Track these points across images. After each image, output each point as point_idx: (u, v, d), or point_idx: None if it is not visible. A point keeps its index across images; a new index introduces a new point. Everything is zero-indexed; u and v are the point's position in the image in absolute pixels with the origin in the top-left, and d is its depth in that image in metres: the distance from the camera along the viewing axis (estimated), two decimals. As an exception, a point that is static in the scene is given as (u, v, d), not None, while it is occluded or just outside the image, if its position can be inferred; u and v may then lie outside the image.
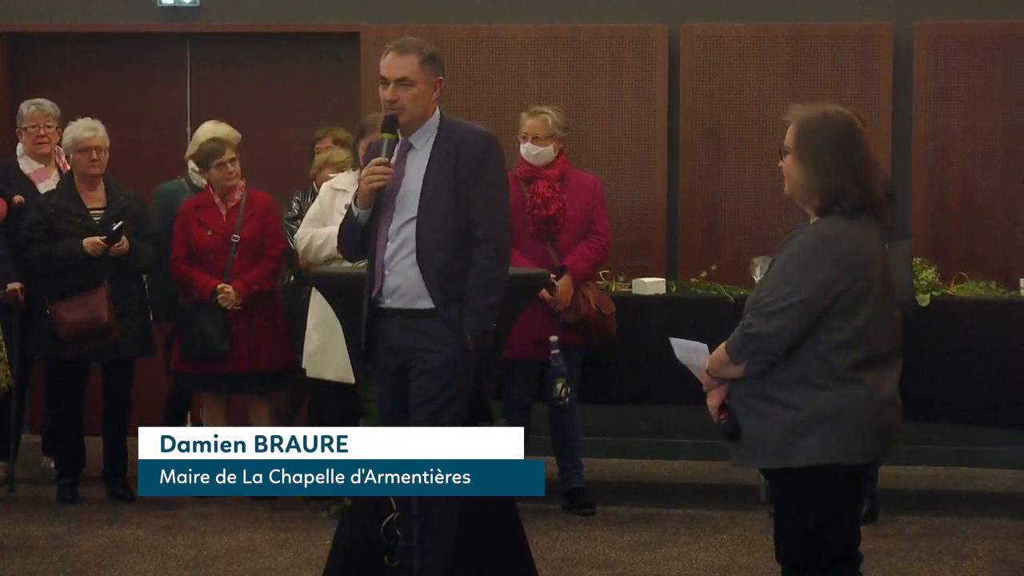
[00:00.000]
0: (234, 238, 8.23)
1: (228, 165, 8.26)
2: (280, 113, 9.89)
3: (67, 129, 8.35)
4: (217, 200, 8.31)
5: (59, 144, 8.54)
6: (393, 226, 5.66)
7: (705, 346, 4.72)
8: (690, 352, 4.78)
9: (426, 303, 5.65)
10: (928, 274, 8.15)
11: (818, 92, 9.00)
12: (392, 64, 5.65)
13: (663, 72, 9.45)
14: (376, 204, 5.69)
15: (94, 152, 8.21)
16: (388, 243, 5.67)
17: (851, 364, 4.46)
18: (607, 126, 9.49)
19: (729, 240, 9.36)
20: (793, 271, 4.48)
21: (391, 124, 5.65)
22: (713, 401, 4.67)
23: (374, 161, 5.63)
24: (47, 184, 8.51)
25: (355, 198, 5.72)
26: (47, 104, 8.67)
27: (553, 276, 7.68)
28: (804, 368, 4.47)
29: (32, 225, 8.16)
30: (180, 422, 8.80)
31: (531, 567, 6.38)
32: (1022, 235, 9.23)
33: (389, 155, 5.64)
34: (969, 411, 8.15)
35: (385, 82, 5.65)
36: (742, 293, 8.16)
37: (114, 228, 8.06)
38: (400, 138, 5.71)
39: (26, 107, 8.67)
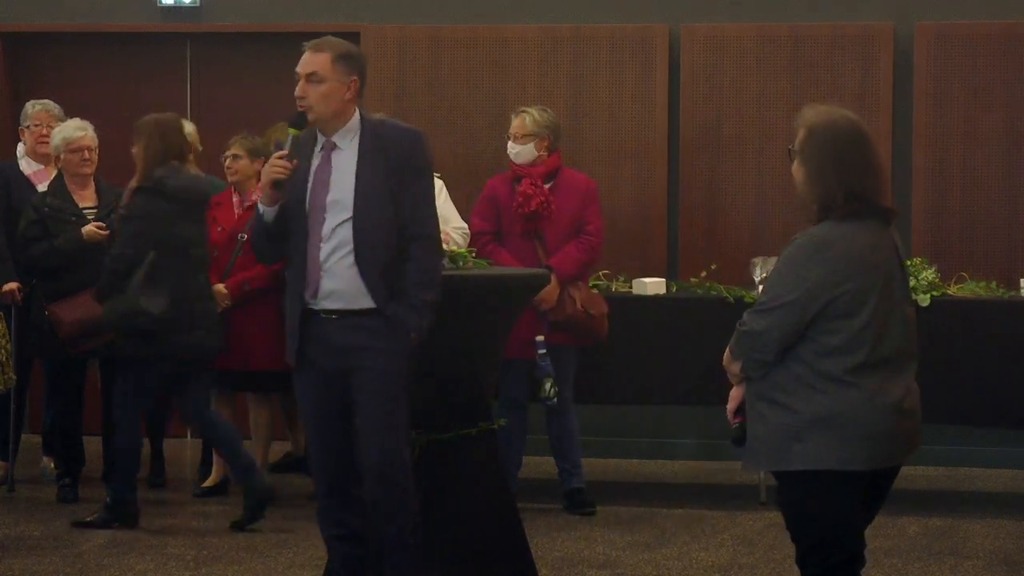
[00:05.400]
0: (241, 236, 8.23)
1: (228, 160, 8.30)
2: (280, 113, 9.86)
3: (56, 130, 8.33)
4: (235, 198, 8.35)
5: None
6: (327, 227, 5.60)
7: None
8: None
9: (366, 302, 5.59)
10: (928, 274, 8.15)
11: (818, 92, 9.01)
12: (304, 61, 5.65)
13: (663, 72, 9.45)
14: (296, 205, 5.64)
15: (85, 152, 8.21)
16: (323, 244, 5.61)
17: (849, 368, 4.43)
18: (607, 126, 9.49)
19: (729, 240, 9.36)
20: (786, 272, 4.49)
21: (298, 120, 5.65)
22: (730, 405, 4.67)
23: (276, 154, 5.61)
24: (47, 186, 8.51)
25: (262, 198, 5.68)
26: (52, 105, 8.67)
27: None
28: (803, 370, 4.46)
29: (30, 224, 8.17)
30: (163, 429, 8.80)
31: (531, 567, 6.38)
32: (1022, 235, 9.23)
33: (292, 151, 5.61)
34: (969, 411, 8.15)
35: (298, 78, 5.65)
36: (742, 293, 8.18)
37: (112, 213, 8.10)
38: (307, 135, 5.67)
39: (31, 106, 8.68)
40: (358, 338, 5.61)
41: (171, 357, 7.58)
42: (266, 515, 7.60)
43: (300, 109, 5.63)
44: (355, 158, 5.63)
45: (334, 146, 5.67)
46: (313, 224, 5.63)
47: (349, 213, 5.59)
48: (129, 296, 7.46)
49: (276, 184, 5.62)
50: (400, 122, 5.91)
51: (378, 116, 6.09)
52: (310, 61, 5.64)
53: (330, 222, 5.61)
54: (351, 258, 5.58)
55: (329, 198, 5.62)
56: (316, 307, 5.66)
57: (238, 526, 7.59)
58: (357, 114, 5.70)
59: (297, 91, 5.64)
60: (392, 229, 5.61)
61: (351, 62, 5.67)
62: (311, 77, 5.63)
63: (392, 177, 5.61)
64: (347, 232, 5.59)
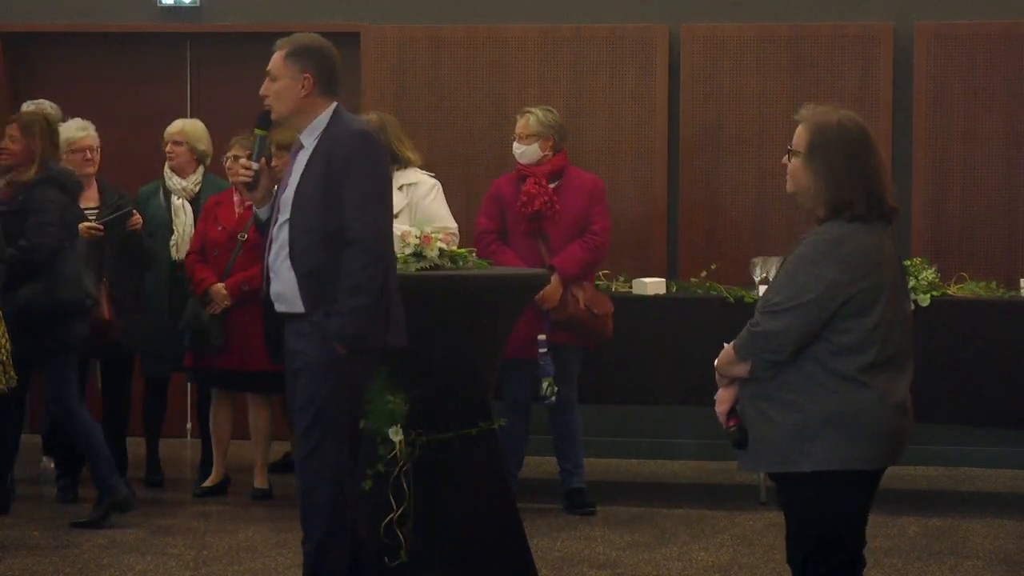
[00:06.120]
0: (241, 236, 8.23)
1: (229, 160, 8.32)
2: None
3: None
4: (236, 198, 8.35)
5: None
6: (275, 228, 5.58)
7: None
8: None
9: (300, 306, 5.53)
10: (928, 274, 8.15)
11: (818, 92, 9.00)
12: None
13: (663, 72, 9.45)
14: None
15: (88, 152, 8.22)
16: (273, 245, 5.59)
17: (860, 367, 4.43)
18: (607, 126, 9.48)
19: (729, 240, 9.36)
20: (800, 271, 4.46)
21: (262, 120, 5.66)
22: (721, 408, 4.62)
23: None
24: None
25: None
26: (47, 104, 8.67)
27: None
28: (813, 369, 4.45)
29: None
30: (157, 428, 8.79)
31: (531, 567, 6.38)
32: (1022, 235, 9.23)
33: (258, 151, 5.64)
34: (969, 411, 8.15)
35: None
36: (742, 293, 8.18)
37: (115, 215, 8.08)
38: (269, 135, 5.76)
39: (26, 107, 8.68)
40: (297, 342, 5.57)
41: (76, 342, 7.64)
42: (111, 519, 7.54)
43: (265, 108, 5.65)
44: (307, 159, 5.57)
45: (301, 146, 5.64)
46: (272, 225, 5.64)
47: (289, 214, 5.56)
48: (73, 280, 7.54)
49: (245, 186, 5.67)
50: (358, 122, 5.74)
51: (372, 115, 6.06)
52: (271, 59, 5.64)
53: (278, 223, 5.59)
54: (288, 261, 5.54)
55: (282, 199, 5.59)
56: (277, 308, 5.65)
57: (84, 523, 7.54)
58: (328, 112, 5.60)
59: (261, 89, 5.64)
60: (324, 233, 5.48)
61: (303, 58, 5.57)
62: (269, 74, 5.63)
63: (332, 179, 5.48)
64: (286, 233, 5.55)
